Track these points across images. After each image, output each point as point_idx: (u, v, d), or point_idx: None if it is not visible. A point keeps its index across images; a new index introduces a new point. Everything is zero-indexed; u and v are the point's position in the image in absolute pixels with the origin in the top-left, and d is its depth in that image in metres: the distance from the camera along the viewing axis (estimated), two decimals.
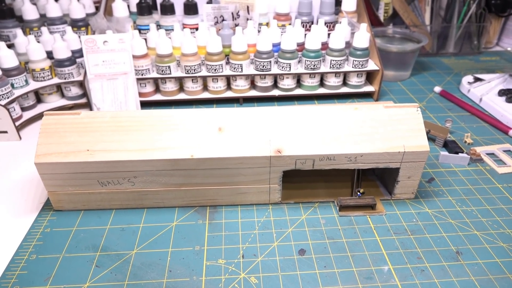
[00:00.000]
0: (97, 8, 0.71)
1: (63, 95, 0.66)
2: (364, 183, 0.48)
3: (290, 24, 0.70)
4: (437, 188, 0.48)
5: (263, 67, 0.64)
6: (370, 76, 0.71)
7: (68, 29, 0.64)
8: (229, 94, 0.67)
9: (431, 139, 0.57)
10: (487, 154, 0.54)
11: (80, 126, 0.42)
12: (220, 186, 0.43)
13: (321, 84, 0.69)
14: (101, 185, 0.42)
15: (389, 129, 0.42)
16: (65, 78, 0.63)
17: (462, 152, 0.53)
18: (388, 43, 0.78)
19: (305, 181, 0.48)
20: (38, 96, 0.65)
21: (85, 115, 0.43)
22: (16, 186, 0.49)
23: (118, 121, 0.42)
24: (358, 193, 0.45)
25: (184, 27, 0.68)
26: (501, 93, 0.66)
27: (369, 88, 0.69)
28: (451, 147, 0.54)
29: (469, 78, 0.73)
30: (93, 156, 0.40)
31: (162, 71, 0.63)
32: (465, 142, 0.56)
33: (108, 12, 0.69)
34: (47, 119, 0.42)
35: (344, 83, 0.69)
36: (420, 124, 0.43)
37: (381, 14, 0.88)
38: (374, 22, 0.86)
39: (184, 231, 0.42)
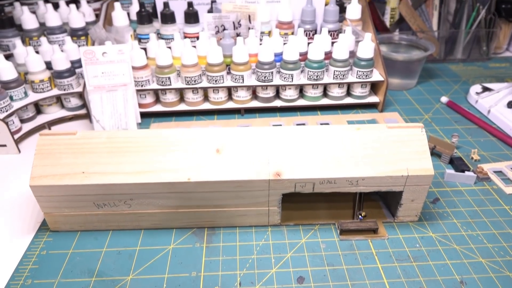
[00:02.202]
0: (97, 16, 0.70)
1: (63, 106, 0.66)
2: (367, 203, 0.46)
3: (293, 32, 0.68)
4: (441, 209, 0.46)
5: (264, 77, 0.63)
6: (374, 86, 0.69)
7: (67, 39, 0.63)
8: (230, 105, 0.66)
9: (436, 154, 0.55)
10: (494, 172, 0.52)
11: (76, 147, 0.41)
12: (218, 209, 0.42)
13: (324, 94, 0.68)
14: (97, 207, 0.42)
15: (392, 151, 0.41)
16: (64, 90, 0.62)
17: (469, 170, 0.51)
18: (394, 51, 0.76)
19: (305, 201, 0.47)
20: (38, 107, 0.64)
21: (81, 135, 0.42)
22: (15, 202, 0.48)
23: (114, 142, 0.41)
24: (360, 216, 0.44)
25: (185, 36, 0.67)
26: (510, 104, 0.64)
27: (373, 99, 0.67)
28: (457, 164, 0.52)
29: (477, 87, 0.71)
30: (89, 179, 0.40)
31: (162, 82, 0.62)
32: (472, 158, 0.55)
33: (108, 21, 0.68)
34: (42, 140, 0.41)
35: (348, 94, 0.68)
36: (425, 145, 0.41)
37: (387, 20, 0.86)
38: (380, 27, 0.84)
39: (181, 255, 0.41)
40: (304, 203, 0.47)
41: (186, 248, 0.42)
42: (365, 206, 0.46)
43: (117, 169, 0.40)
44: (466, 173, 0.50)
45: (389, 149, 0.41)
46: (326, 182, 0.40)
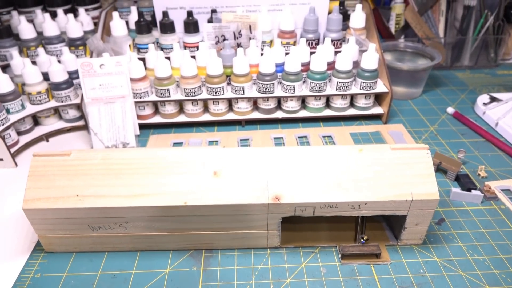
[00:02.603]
0: (96, 24, 0.69)
1: (61, 117, 0.65)
2: (369, 224, 0.45)
3: (295, 42, 0.67)
4: (447, 231, 0.45)
5: (265, 89, 0.62)
6: (379, 97, 0.67)
7: (65, 49, 0.62)
8: (230, 116, 0.65)
9: (442, 171, 0.54)
10: (502, 190, 0.50)
11: (70, 168, 0.40)
12: (216, 232, 0.41)
13: (327, 105, 0.66)
14: (92, 229, 0.41)
15: (395, 174, 0.40)
16: (62, 101, 0.61)
17: (476, 189, 0.50)
18: (399, 59, 0.74)
19: (306, 221, 0.45)
20: (35, 119, 0.64)
21: (75, 156, 0.41)
22: (10, 219, 0.48)
23: (109, 163, 0.40)
24: (362, 240, 0.42)
25: (184, 46, 0.66)
26: None
27: (377, 110, 0.66)
28: (464, 182, 0.51)
29: (484, 98, 0.69)
30: (83, 202, 0.39)
31: (161, 94, 0.61)
32: (479, 175, 0.53)
33: (107, 30, 0.67)
34: (35, 161, 0.40)
35: (351, 104, 0.66)
36: (430, 168, 0.40)
37: (392, 26, 0.84)
38: (385, 34, 0.82)
39: (178, 279, 0.40)
40: (304, 224, 0.45)
41: (182, 272, 0.41)
42: (368, 228, 0.45)
43: (112, 192, 0.39)
44: (473, 192, 0.49)
45: (392, 171, 0.40)
46: (327, 206, 0.39)
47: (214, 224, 0.40)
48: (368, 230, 0.44)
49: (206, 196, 0.39)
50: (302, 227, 0.45)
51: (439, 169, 0.54)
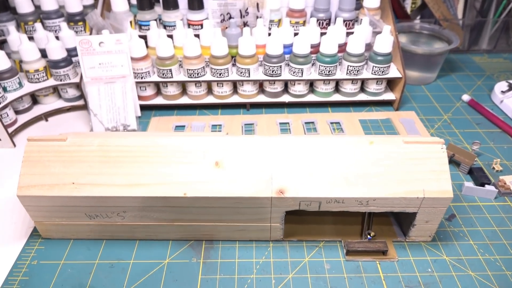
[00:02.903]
0: None
1: (60, 96, 0.63)
2: (377, 218, 0.43)
3: (304, 21, 0.63)
4: (457, 228, 0.43)
5: (272, 72, 0.59)
6: (391, 82, 0.64)
7: (63, 25, 0.59)
8: (235, 99, 0.62)
9: (455, 163, 0.51)
10: None
11: (66, 155, 0.38)
12: (217, 223, 0.40)
13: (336, 89, 0.63)
14: (89, 217, 0.39)
15: (407, 169, 0.37)
16: (60, 80, 0.59)
17: (489, 184, 0.47)
18: (414, 42, 0.71)
19: (310, 214, 0.44)
20: (34, 97, 0.62)
21: (71, 142, 0.39)
22: (7, 203, 0.47)
23: (106, 150, 0.39)
24: (369, 235, 0.41)
25: (188, 23, 0.63)
26: None
27: (389, 96, 0.63)
28: (477, 176, 0.48)
29: (502, 85, 0.66)
30: (79, 190, 0.37)
31: (163, 74, 0.59)
32: (493, 168, 0.51)
33: (107, 5, 0.64)
34: (30, 146, 0.39)
35: (362, 89, 0.63)
36: (444, 164, 0.37)
37: (408, 5, 0.79)
38: (400, 14, 0.77)
39: (177, 271, 0.39)
40: (309, 216, 0.44)
41: (182, 263, 0.39)
42: (375, 222, 0.43)
43: (109, 181, 0.37)
44: (487, 187, 0.47)
45: (404, 166, 0.38)
46: (334, 201, 0.37)
47: (215, 216, 0.39)
48: (375, 224, 0.43)
49: (207, 188, 0.37)
50: (306, 219, 0.43)
51: (452, 161, 0.51)
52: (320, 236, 0.42)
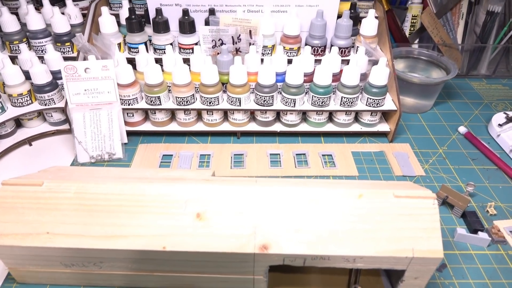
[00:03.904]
0: (85, 16, 0.63)
1: (45, 119, 0.61)
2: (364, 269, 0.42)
3: (299, 48, 0.61)
4: (448, 280, 0.41)
5: (264, 101, 0.57)
6: (386, 113, 0.62)
7: (49, 47, 0.57)
8: (225, 127, 0.60)
9: (448, 204, 0.50)
10: (511, 232, 0.47)
11: (41, 201, 0.37)
12: (198, 275, 0.38)
13: (330, 119, 0.61)
14: (65, 266, 0.38)
15: (397, 226, 0.36)
16: (45, 104, 0.57)
17: (483, 230, 0.46)
18: (412, 68, 0.69)
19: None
20: (18, 121, 0.60)
21: (47, 187, 0.37)
22: None
23: (82, 198, 0.37)
24: None
25: (179, 47, 0.61)
26: None
27: (383, 127, 0.61)
28: (471, 221, 0.47)
29: (500, 116, 0.64)
30: (53, 241, 0.35)
31: (151, 101, 0.57)
32: (487, 212, 0.49)
33: (96, 25, 0.62)
34: (4, 191, 0.37)
35: (356, 119, 0.62)
36: (436, 221, 0.36)
37: (406, 28, 0.77)
38: (397, 37, 0.76)
39: None
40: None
41: None
42: (363, 273, 0.41)
43: (84, 231, 0.36)
44: (480, 234, 0.45)
45: (393, 223, 0.36)
46: (319, 258, 0.36)
47: (196, 268, 0.37)
48: (363, 275, 0.41)
49: (187, 242, 0.35)
50: (291, 269, 0.42)
51: (445, 202, 0.50)
52: (305, 286, 0.40)
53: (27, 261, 0.37)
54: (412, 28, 0.77)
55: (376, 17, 0.61)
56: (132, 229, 0.36)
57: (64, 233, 0.36)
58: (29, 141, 0.59)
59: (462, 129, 0.63)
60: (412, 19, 0.76)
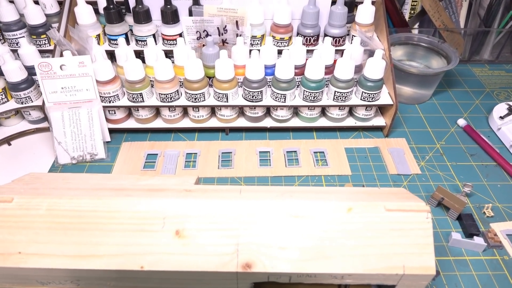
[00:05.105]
0: (61, 4, 0.59)
1: (24, 117, 0.58)
2: None
3: (291, 37, 0.57)
4: None
5: (252, 97, 0.54)
6: (382, 107, 0.59)
7: (23, 41, 0.54)
8: (213, 123, 0.58)
9: (444, 206, 0.48)
10: (507, 235, 0.45)
11: (12, 219, 0.35)
12: None
13: (322, 113, 0.59)
14: (41, 284, 0.36)
15: (387, 242, 0.34)
16: (22, 103, 0.54)
17: (478, 235, 0.44)
18: (411, 55, 0.66)
19: None
20: None
21: (17, 204, 0.35)
22: None
23: (55, 215, 0.35)
24: None
25: (162, 38, 0.57)
26: None
27: (379, 122, 0.58)
28: (466, 225, 0.45)
29: (501, 108, 0.61)
30: (25, 261, 0.34)
31: (133, 98, 0.54)
32: (484, 213, 0.47)
33: (73, 15, 0.58)
34: None
35: (350, 113, 0.59)
36: (429, 237, 0.34)
37: (406, 11, 0.73)
38: (396, 22, 0.71)
39: None
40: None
41: None
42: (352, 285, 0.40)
43: (58, 251, 0.34)
44: (475, 239, 0.43)
45: (384, 239, 0.34)
46: (305, 276, 0.34)
47: (176, 285, 0.36)
48: (352, 285, 0.40)
49: (166, 260, 0.34)
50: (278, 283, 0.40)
51: (440, 203, 0.48)
52: None
53: (1, 279, 0.36)
54: (412, 12, 0.73)
55: (373, 2, 0.57)
56: (108, 248, 0.34)
57: (37, 252, 0.34)
58: (8, 140, 0.56)
59: (461, 122, 0.60)
60: (412, 2, 0.72)
